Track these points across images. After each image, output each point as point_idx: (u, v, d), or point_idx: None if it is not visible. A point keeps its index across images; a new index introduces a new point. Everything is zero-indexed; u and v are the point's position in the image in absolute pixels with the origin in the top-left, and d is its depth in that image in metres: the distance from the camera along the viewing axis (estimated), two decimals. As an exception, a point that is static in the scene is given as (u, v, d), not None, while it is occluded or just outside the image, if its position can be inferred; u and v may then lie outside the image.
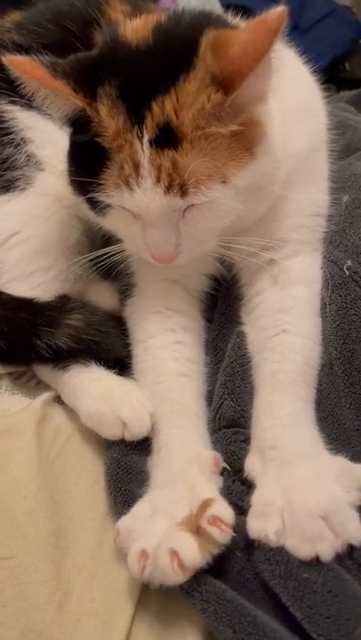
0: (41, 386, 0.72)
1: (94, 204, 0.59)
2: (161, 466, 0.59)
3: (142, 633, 0.53)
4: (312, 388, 0.62)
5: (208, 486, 0.54)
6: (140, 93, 0.54)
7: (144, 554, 0.50)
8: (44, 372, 0.71)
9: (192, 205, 0.56)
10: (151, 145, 0.53)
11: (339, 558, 0.49)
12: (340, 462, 0.54)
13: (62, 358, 0.68)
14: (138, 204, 0.56)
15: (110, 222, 0.62)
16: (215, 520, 0.50)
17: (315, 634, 0.46)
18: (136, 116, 0.54)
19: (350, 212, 0.73)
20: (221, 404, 0.64)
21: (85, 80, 0.56)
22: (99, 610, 0.54)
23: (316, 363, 0.64)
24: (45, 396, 0.70)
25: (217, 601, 0.49)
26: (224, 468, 0.58)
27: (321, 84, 0.76)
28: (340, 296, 0.66)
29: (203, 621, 0.52)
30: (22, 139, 0.73)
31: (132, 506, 0.57)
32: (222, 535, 0.50)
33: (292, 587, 0.48)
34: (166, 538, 0.50)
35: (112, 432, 0.63)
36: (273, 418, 0.58)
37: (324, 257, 0.70)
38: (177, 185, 0.54)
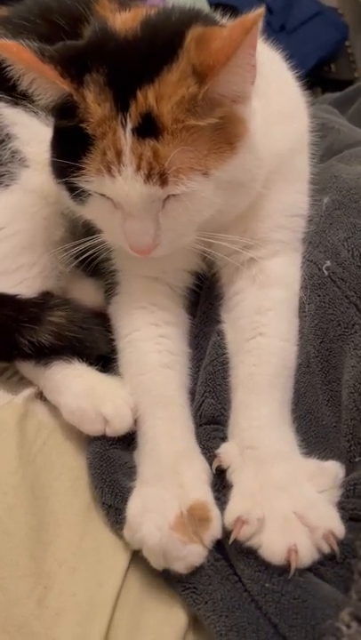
0: (23, 382, 0.72)
1: (74, 191, 0.59)
2: (148, 460, 0.59)
3: (123, 626, 0.54)
4: (288, 389, 0.63)
5: (198, 484, 0.55)
6: (126, 82, 0.55)
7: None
8: (26, 368, 0.71)
9: (172, 196, 0.56)
10: (133, 133, 0.54)
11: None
12: (313, 464, 0.55)
13: (45, 355, 0.68)
14: (118, 192, 0.56)
15: (90, 211, 0.62)
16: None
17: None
18: (122, 104, 0.54)
19: (330, 214, 0.73)
20: (203, 401, 0.64)
21: (73, 66, 0.56)
22: (79, 603, 0.54)
23: (293, 363, 0.65)
24: (28, 392, 0.70)
25: (199, 581, 0.50)
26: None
27: (306, 86, 0.77)
28: (319, 296, 0.67)
29: (183, 615, 0.53)
30: (7, 135, 0.72)
31: (119, 495, 0.58)
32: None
33: (256, 591, 0.48)
34: (171, 555, 0.51)
35: (94, 428, 0.63)
36: (249, 419, 0.59)
37: (304, 257, 0.71)
38: (157, 174, 0.54)
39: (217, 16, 0.69)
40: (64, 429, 0.67)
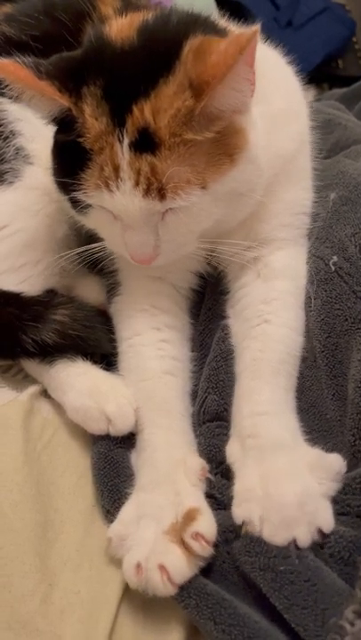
0: (28, 379, 0.73)
1: (76, 203, 0.59)
2: (146, 467, 0.59)
3: (127, 624, 0.54)
4: (293, 377, 0.63)
5: (193, 492, 0.55)
6: (123, 95, 0.54)
7: (139, 567, 0.51)
8: (30, 365, 0.72)
9: (171, 209, 0.56)
10: (130, 149, 0.54)
11: (315, 550, 0.50)
12: (315, 454, 0.55)
13: (48, 353, 0.68)
14: (117, 206, 0.56)
15: (91, 221, 0.62)
16: (197, 536, 0.51)
17: (293, 623, 0.46)
18: (119, 118, 0.54)
19: (337, 209, 0.73)
20: (206, 397, 0.64)
21: (70, 80, 0.55)
22: (84, 601, 0.54)
23: (298, 353, 0.65)
24: (32, 389, 0.70)
25: (198, 595, 0.50)
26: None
27: (313, 82, 0.76)
28: (326, 291, 0.66)
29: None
30: (11, 131, 0.72)
31: (118, 501, 0.58)
32: (203, 550, 0.51)
33: (270, 578, 0.48)
34: (156, 550, 0.51)
35: (97, 427, 0.63)
36: (252, 404, 0.59)
37: (311, 253, 0.71)
38: (155, 189, 0.54)
39: (217, 19, 0.67)
40: (69, 427, 0.67)
